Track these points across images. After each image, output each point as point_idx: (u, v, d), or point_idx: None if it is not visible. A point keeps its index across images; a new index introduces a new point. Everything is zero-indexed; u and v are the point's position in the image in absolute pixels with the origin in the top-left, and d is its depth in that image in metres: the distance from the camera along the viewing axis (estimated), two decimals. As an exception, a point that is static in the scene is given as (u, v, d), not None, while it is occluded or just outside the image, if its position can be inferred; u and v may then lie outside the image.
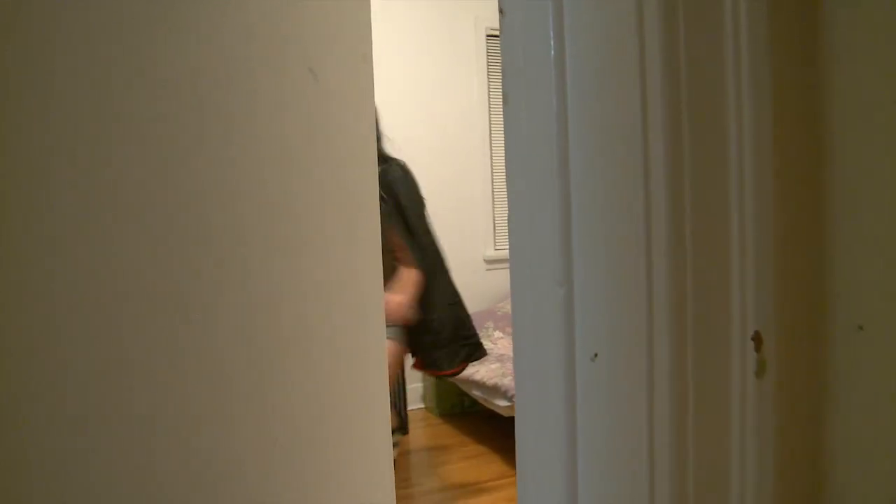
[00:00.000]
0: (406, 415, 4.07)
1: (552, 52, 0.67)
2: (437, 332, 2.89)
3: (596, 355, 0.65)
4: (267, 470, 1.15)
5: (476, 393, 3.87)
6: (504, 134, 0.77)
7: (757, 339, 0.61)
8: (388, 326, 2.75)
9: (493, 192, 5.12)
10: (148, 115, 1.02)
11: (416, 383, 4.74)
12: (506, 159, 0.76)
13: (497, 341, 4.38)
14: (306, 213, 1.09)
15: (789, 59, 0.63)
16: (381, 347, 1.16)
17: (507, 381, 3.59)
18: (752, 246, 0.61)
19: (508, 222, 0.76)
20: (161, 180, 1.03)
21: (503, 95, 0.76)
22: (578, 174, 0.65)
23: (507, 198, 0.76)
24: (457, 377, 3.72)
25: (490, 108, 5.09)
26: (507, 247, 0.78)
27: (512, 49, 0.74)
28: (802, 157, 0.64)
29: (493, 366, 3.81)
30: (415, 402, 4.79)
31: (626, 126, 0.61)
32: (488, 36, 5.05)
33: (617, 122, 0.61)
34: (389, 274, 2.82)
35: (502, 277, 5.04)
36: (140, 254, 1.05)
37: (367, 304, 1.13)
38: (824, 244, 0.64)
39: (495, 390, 3.63)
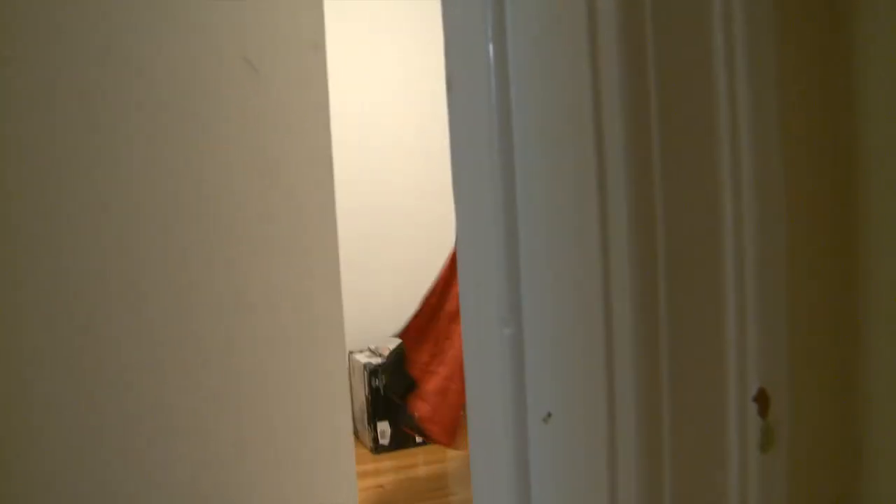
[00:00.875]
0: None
1: (489, 26, 0.52)
2: None
3: (549, 415, 0.50)
4: (211, 465, 1.05)
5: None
6: (448, 127, 0.62)
7: (762, 399, 0.45)
8: None
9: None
10: (57, 116, 0.92)
11: (454, 388, 4.59)
12: (451, 157, 0.61)
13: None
14: (250, 221, 0.98)
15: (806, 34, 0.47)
16: (341, 349, 1.04)
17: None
18: (754, 268, 0.45)
19: (456, 241, 0.61)
20: (83, 185, 0.93)
21: (447, 81, 0.61)
22: (523, 175, 0.50)
23: (454, 206, 0.62)
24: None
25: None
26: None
27: (453, 22, 0.59)
28: (828, 138, 0.47)
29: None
30: (454, 408, 4.64)
31: (574, 108, 0.45)
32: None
33: (562, 102, 0.46)
34: None
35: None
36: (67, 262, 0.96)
37: (323, 315, 1.01)
38: (865, 265, 0.47)
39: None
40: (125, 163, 0.97)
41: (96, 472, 1.02)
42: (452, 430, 2.51)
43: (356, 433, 3.88)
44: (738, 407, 0.45)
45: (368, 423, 3.61)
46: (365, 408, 3.63)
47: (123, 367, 1.03)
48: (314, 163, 0.97)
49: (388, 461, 3.59)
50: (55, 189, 0.97)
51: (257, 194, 0.99)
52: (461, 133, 0.58)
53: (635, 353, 0.44)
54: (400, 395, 2.59)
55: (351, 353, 3.88)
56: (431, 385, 2.43)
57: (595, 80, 0.44)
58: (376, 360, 3.64)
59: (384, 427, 3.64)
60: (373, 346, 3.88)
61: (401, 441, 3.66)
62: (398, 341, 4.05)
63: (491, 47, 0.52)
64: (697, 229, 0.45)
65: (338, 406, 1.10)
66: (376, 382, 3.60)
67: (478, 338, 0.56)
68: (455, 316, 2.39)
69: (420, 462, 3.64)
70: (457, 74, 0.59)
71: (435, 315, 2.49)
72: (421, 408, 2.46)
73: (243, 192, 0.97)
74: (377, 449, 3.60)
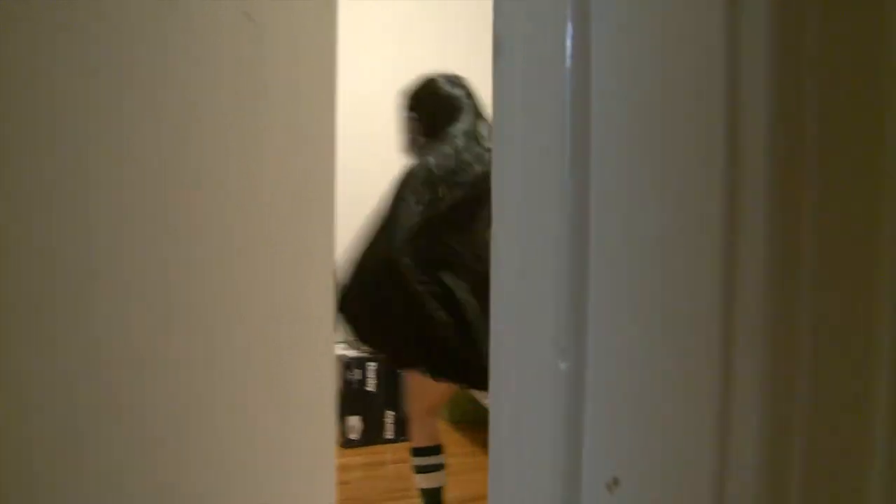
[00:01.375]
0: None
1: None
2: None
3: (616, 481, 0.38)
4: (192, 465, 0.95)
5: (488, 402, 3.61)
6: (492, 102, 0.50)
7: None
8: None
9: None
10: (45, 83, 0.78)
11: (428, 385, 4.48)
12: (495, 138, 0.49)
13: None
14: (245, 200, 0.85)
15: None
16: (329, 347, 0.94)
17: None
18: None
19: (492, 242, 0.49)
20: (52, 160, 0.80)
21: (494, 43, 0.49)
22: (603, 160, 0.38)
23: (493, 203, 0.49)
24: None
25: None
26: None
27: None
28: None
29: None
30: (426, 405, 4.53)
31: (695, 80, 0.33)
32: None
33: (677, 74, 0.34)
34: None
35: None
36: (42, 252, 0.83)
37: (314, 314, 0.90)
38: None
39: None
40: (99, 138, 0.84)
41: (72, 473, 0.90)
42: None
43: (325, 426, 3.75)
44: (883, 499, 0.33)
45: (338, 417, 3.48)
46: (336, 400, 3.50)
47: (103, 363, 0.91)
48: (320, 140, 0.85)
49: (356, 457, 3.46)
50: (25, 171, 0.84)
51: (250, 178, 0.86)
52: (513, 112, 0.46)
53: (761, 411, 0.32)
54: None
55: (325, 343, 3.74)
56: None
57: (732, 37, 0.32)
58: (352, 353, 3.51)
59: (354, 421, 3.52)
60: (350, 339, 3.75)
61: (371, 437, 3.54)
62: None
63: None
64: (851, 252, 0.33)
65: (324, 409, 1.00)
66: (350, 375, 3.47)
67: (517, 371, 0.44)
68: None
69: (388, 460, 3.52)
70: (511, 33, 0.46)
71: None
72: None
73: (234, 176, 0.85)
74: (346, 443, 3.48)
